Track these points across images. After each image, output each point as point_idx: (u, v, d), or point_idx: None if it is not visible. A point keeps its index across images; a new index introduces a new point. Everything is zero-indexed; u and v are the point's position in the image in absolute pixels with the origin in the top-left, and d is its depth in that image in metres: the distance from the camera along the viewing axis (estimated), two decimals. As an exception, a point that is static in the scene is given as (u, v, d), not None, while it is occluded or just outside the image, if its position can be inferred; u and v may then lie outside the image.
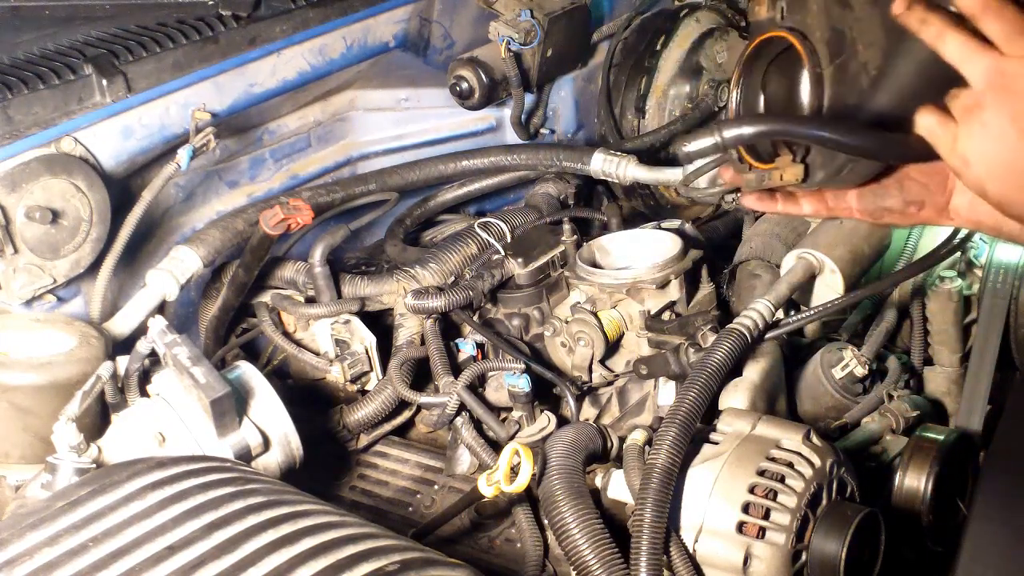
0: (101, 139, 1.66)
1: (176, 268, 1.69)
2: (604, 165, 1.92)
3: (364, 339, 1.71)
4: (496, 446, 1.55)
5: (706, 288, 1.70)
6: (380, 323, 1.76)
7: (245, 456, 1.37)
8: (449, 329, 1.73)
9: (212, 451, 1.34)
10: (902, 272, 1.66)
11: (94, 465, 1.30)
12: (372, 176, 2.02)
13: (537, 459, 1.35)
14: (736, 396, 1.49)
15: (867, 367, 1.61)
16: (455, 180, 2.07)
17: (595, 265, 1.70)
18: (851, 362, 1.61)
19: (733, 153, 1.10)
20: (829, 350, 1.64)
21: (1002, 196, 0.91)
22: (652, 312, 1.62)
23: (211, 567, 0.91)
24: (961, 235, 1.64)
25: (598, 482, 1.44)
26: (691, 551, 1.30)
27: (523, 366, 1.54)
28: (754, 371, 1.53)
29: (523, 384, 1.54)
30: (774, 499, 1.27)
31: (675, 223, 1.81)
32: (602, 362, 1.63)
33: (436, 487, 1.61)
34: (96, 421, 1.42)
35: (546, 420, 1.58)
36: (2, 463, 1.43)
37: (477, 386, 1.61)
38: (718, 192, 2.08)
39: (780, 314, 1.54)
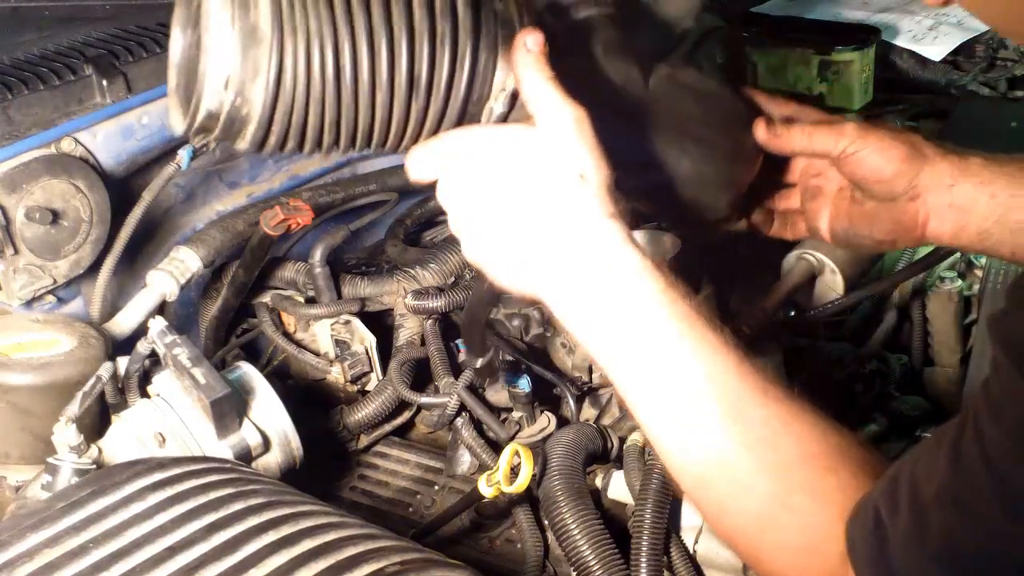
0: (101, 139, 1.66)
1: (176, 268, 1.69)
2: (604, 165, 1.91)
3: (364, 339, 1.71)
4: (496, 447, 1.55)
5: (706, 289, 1.70)
6: (380, 323, 1.76)
7: (245, 457, 1.37)
8: (449, 329, 1.73)
9: (212, 452, 1.34)
10: (902, 272, 1.66)
11: (94, 466, 1.30)
12: (372, 176, 2.01)
13: (537, 460, 1.35)
14: (736, 396, 1.49)
15: (866, 368, 1.61)
16: (455, 180, 2.07)
17: (595, 265, 1.69)
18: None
19: None
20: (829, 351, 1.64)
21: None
22: (652, 312, 1.61)
23: (211, 568, 0.91)
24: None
25: (598, 482, 1.44)
26: (691, 551, 1.30)
27: (523, 366, 1.54)
28: (754, 372, 1.52)
29: (523, 384, 1.54)
30: (774, 500, 1.27)
31: (675, 223, 1.80)
32: (602, 362, 1.62)
33: (436, 488, 1.61)
34: (96, 422, 1.42)
35: (546, 421, 1.58)
36: (2, 463, 1.43)
37: (477, 386, 1.61)
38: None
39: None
